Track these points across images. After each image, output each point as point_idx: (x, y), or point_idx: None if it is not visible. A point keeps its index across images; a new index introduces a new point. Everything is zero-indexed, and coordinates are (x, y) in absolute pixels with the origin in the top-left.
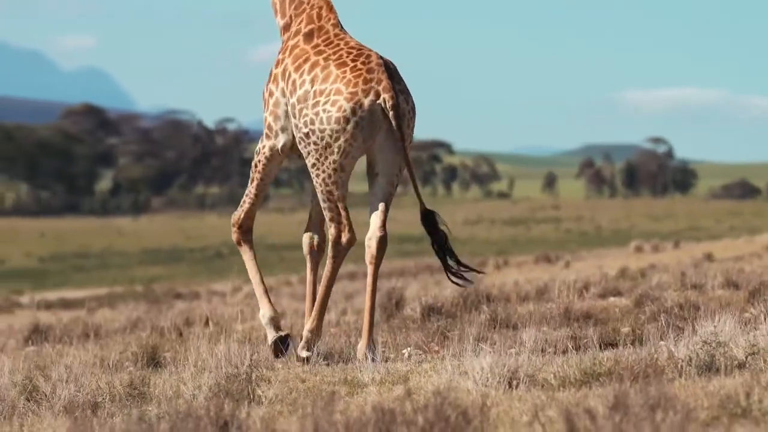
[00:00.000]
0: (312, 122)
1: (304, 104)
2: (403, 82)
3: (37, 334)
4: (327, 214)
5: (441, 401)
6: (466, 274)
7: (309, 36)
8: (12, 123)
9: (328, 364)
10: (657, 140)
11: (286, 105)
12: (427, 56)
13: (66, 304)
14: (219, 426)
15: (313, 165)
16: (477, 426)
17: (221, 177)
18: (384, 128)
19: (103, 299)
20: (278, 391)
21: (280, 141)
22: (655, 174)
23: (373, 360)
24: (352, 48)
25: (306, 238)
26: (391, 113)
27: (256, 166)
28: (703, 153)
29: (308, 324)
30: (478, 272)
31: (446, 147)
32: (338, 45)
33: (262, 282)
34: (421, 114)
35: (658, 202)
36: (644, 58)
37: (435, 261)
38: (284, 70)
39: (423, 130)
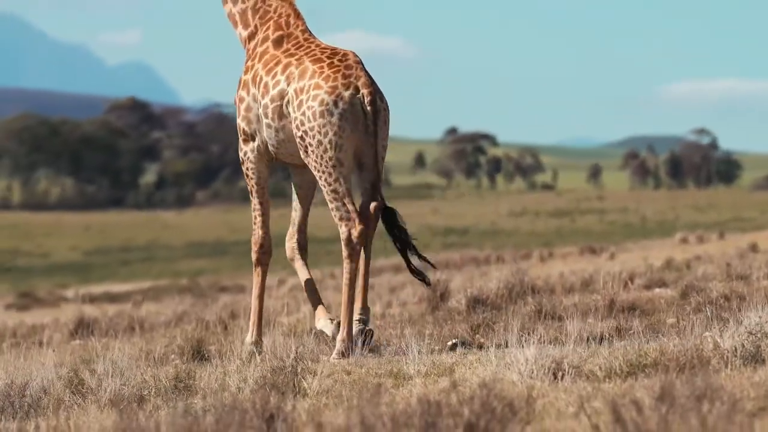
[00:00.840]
0: (302, 123)
1: (279, 102)
2: (376, 83)
3: (82, 327)
4: (336, 214)
5: (486, 393)
6: (428, 274)
7: (278, 42)
8: (57, 118)
9: (373, 357)
10: (701, 132)
11: (258, 108)
12: (472, 48)
13: (111, 298)
14: (265, 418)
15: (315, 168)
16: (523, 417)
17: None
18: (363, 123)
19: (148, 293)
20: (324, 383)
21: (257, 142)
22: (699, 165)
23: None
24: (325, 48)
25: (289, 244)
26: (369, 108)
27: (247, 174)
28: (746, 144)
29: (341, 332)
30: (431, 266)
31: (490, 139)
32: (309, 47)
33: (260, 309)
34: (466, 106)
35: (703, 193)
36: (689, 50)
37: (480, 253)
38: (255, 76)
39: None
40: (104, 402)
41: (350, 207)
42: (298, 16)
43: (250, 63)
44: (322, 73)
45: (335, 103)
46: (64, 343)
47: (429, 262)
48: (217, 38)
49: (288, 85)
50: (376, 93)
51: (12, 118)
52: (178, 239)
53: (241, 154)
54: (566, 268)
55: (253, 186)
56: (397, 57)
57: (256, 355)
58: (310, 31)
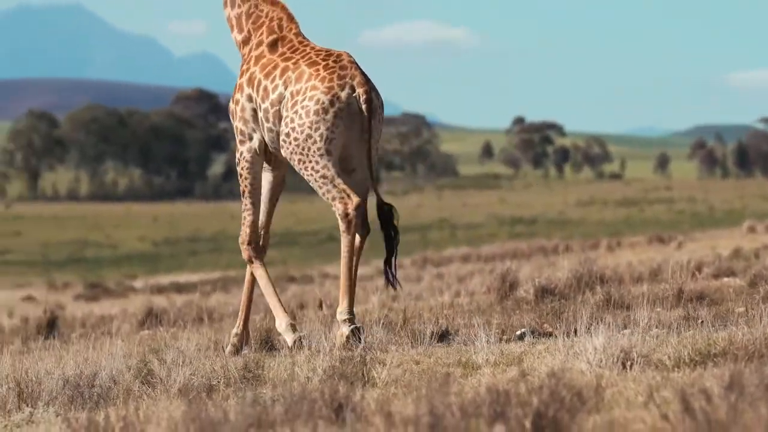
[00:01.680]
0: (292, 120)
1: (278, 106)
2: (372, 81)
3: (151, 317)
4: (328, 197)
5: (555, 382)
6: (398, 280)
7: (273, 46)
8: (125, 108)
9: (442, 346)
10: None
11: (254, 110)
12: (538, 37)
13: (179, 288)
14: (333, 408)
15: (299, 161)
16: (592, 407)
17: None
18: (358, 122)
19: (216, 283)
20: (392, 373)
21: (255, 142)
22: (767, 155)
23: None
24: (319, 51)
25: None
26: (364, 106)
27: (241, 174)
28: None
29: (342, 308)
30: (396, 285)
31: (558, 129)
32: (304, 50)
33: (276, 294)
34: (533, 95)
35: None
36: (758, 37)
37: (548, 243)
38: (251, 78)
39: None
40: (173, 392)
41: (342, 186)
42: (291, 19)
43: (245, 67)
44: (318, 74)
45: (331, 102)
46: (132, 333)
47: (394, 280)
48: None
49: (285, 89)
50: (371, 91)
51: (79, 110)
52: None
53: (237, 155)
54: (634, 258)
55: (246, 186)
56: (463, 47)
57: (299, 338)
58: (303, 35)
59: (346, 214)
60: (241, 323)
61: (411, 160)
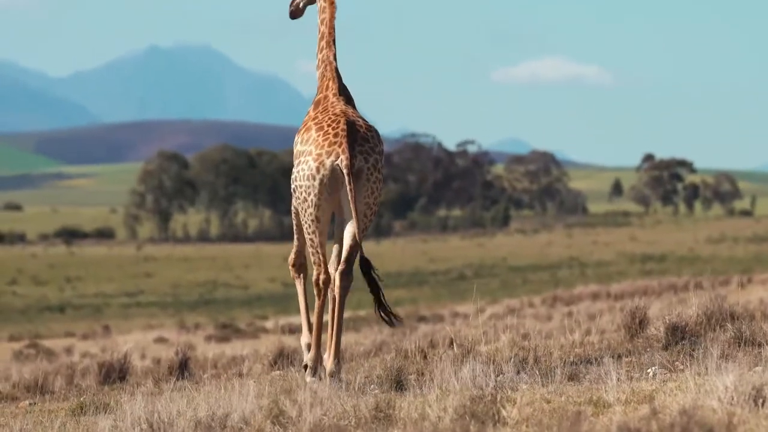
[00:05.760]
0: (296, 179)
1: (295, 161)
2: (369, 143)
3: (282, 358)
4: (312, 258)
5: (687, 420)
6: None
7: (317, 104)
8: (254, 149)
9: (573, 385)
10: None
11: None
12: (668, 73)
13: (309, 328)
14: None
15: (301, 217)
16: None
17: (463, 199)
18: (343, 183)
19: (347, 322)
20: (523, 411)
21: None
22: None
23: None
24: (334, 114)
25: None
26: (345, 171)
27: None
28: None
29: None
30: (394, 321)
31: (687, 165)
32: (328, 112)
33: (307, 311)
34: (663, 132)
35: None
36: None
37: (678, 280)
38: (297, 133)
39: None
40: None
41: (321, 257)
42: (334, 79)
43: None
44: (316, 140)
45: (317, 169)
46: (264, 373)
47: (392, 318)
48: (412, 69)
49: (300, 146)
50: (354, 157)
51: (209, 150)
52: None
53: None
54: (766, 294)
55: (295, 220)
56: (594, 84)
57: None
58: (338, 95)
59: (317, 282)
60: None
61: (540, 198)
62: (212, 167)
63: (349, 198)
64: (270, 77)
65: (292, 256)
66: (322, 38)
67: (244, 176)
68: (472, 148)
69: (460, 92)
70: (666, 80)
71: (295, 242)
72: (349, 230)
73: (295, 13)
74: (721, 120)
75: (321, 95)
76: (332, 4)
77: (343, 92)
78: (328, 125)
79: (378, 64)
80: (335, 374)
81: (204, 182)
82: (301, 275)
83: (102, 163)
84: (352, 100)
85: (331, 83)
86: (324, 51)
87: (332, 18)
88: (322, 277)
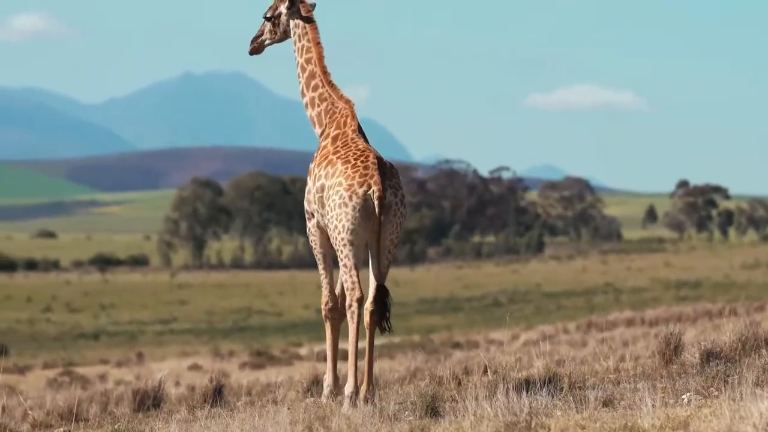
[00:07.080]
0: (327, 212)
1: (321, 194)
2: (396, 178)
3: (316, 385)
4: (346, 284)
5: None
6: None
7: (335, 139)
8: (288, 176)
9: (608, 411)
10: None
11: (311, 193)
12: (702, 99)
13: (343, 355)
14: None
15: (335, 245)
16: None
17: (497, 226)
18: (375, 216)
19: (382, 349)
20: None
21: (314, 221)
22: None
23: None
24: (358, 149)
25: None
26: (376, 203)
27: (313, 247)
28: None
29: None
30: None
31: (722, 192)
32: (350, 147)
33: (334, 356)
34: (698, 158)
35: None
36: None
37: (713, 306)
38: (314, 167)
39: (698, 175)
40: None
41: (356, 279)
42: (353, 117)
43: (315, 155)
44: (345, 172)
45: (350, 197)
46: (298, 401)
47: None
48: (444, 95)
49: (327, 180)
50: (386, 190)
51: (243, 177)
52: (410, 295)
53: (308, 230)
54: None
55: (319, 257)
56: (627, 110)
57: (332, 394)
58: (357, 132)
59: (350, 305)
60: (352, 373)
61: (574, 225)
62: (246, 194)
63: (377, 229)
64: (299, 102)
65: (324, 299)
66: (312, 77)
67: (278, 203)
68: (506, 175)
69: (494, 119)
70: (699, 106)
71: (323, 279)
72: (373, 271)
73: (258, 50)
74: (755, 146)
75: (338, 131)
76: (318, 44)
77: (360, 130)
78: (356, 158)
79: (413, 91)
80: (369, 401)
81: (238, 209)
82: (334, 320)
83: (136, 190)
84: (366, 138)
85: (349, 120)
86: (320, 89)
87: (321, 58)
88: (355, 298)
